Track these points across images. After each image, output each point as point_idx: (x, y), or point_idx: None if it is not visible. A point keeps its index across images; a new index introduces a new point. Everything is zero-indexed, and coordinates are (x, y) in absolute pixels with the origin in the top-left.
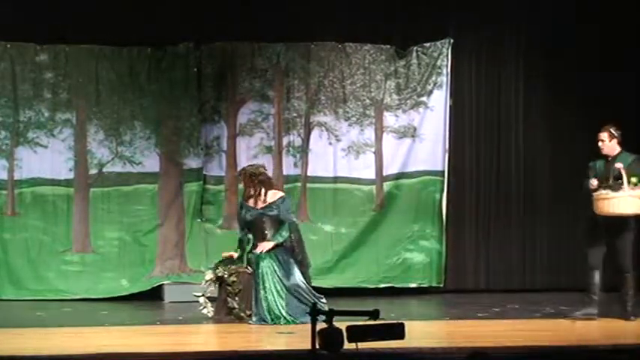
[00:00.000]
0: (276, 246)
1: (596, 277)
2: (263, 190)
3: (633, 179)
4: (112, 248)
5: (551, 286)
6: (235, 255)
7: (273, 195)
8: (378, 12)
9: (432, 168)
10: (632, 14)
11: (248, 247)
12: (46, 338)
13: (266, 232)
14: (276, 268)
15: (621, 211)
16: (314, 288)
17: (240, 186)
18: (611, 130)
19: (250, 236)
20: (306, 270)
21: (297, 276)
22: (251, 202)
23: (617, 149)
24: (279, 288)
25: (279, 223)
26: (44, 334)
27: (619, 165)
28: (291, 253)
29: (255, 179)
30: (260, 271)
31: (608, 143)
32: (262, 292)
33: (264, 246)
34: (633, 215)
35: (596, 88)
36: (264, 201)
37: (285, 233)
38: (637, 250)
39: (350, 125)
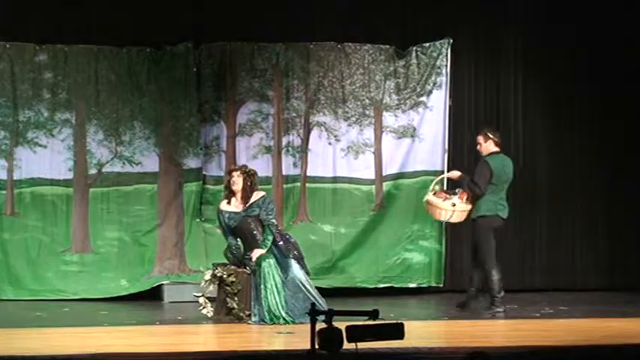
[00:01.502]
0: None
1: (476, 275)
2: (252, 194)
3: (436, 187)
4: (111, 248)
5: (549, 287)
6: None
7: (255, 195)
8: (377, 12)
9: (431, 168)
10: (631, 14)
11: (241, 251)
12: (46, 338)
13: (255, 232)
14: (275, 265)
15: (439, 218)
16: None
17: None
18: (487, 133)
19: (240, 242)
20: (303, 262)
21: (295, 269)
22: (232, 206)
23: (492, 150)
24: (279, 288)
25: (262, 223)
26: (44, 334)
27: (451, 173)
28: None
29: (253, 179)
30: (262, 270)
31: (484, 144)
32: (264, 291)
33: (258, 252)
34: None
35: (596, 88)
36: (247, 201)
37: (270, 237)
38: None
39: (349, 125)
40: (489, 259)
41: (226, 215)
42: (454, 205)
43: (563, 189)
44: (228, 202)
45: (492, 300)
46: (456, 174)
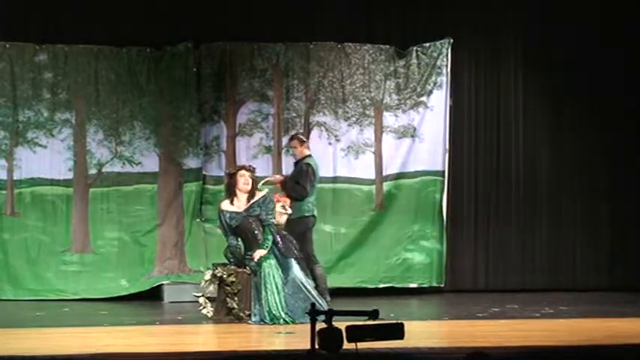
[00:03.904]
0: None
1: None
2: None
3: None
4: (111, 248)
5: (550, 287)
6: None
7: (256, 195)
8: (377, 12)
9: (431, 168)
10: (631, 14)
11: (241, 252)
12: (46, 338)
13: (256, 232)
14: (276, 266)
15: None
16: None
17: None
18: (300, 137)
19: (240, 242)
20: (302, 263)
21: (296, 269)
22: (234, 206)
23: (307, 153)
24: (279, 288)
25: (262, 223)
26: (43, 334)
27: (274, 177)
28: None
29: (255, 178)
30: (262, 271)
31: (299, 148)
32: (264, 291)
33: (259, 253)
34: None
35: (595, 87)
36: (248, 201)
37: (270, 237)
38: None
39: (349, 125)
40: (309, 255)
41: (227, 215)
42: (284, 207)
43: (564, 188)
44: (231, 203)
45: (322, 292)
46: (279, 178)
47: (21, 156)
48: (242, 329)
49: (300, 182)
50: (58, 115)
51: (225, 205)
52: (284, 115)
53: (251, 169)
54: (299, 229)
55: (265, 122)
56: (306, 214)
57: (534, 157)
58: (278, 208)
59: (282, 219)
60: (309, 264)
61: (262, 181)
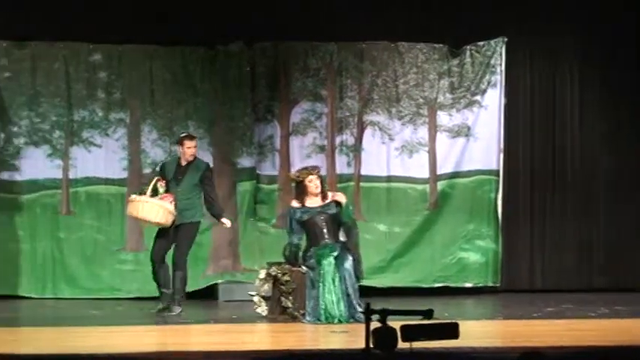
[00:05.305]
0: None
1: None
2: (326, 192)
3: (161, 190)
4: None
5: (606, 287)
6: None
7: (332, 196)
8: (431, 11)
9: (486, 167)
10: None
11: (300, 251)
12: (102, 337)
13: (324, 230)
14: (335, 264)
15: (154, 219)
16: (369, 288)
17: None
18: (195, 138)
19: (302, 241)
20: (358, 266)
21: (349, 264)
22: (307, 203)
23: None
24: (336, 288)
25: (337, 223)
26: (100, 333)
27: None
28: (348, 250)
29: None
30: (321, 269)
31: (195, 150)
32: (321, 289)
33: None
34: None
35: None
36: (323, 199)
37: (352, 215)
38: None
39: (403, 124)
40: (186, 261)
41: (299, 211)
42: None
43: (622, 188)
44: (302, 204)
45: (179, 299)
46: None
47: (76, 155)
48: (297, 328)
49: (214, 185)
50: (112, 115)
51: (296, 203)
52: (337, 115)
53: (315, 172)
54: (194, 232)
55: (319, 121)
56: (202, 219)
57: (591, 156)
58: (169, 207)
59: (169, 219)
60: (184, 267)
61: (155, 180)
